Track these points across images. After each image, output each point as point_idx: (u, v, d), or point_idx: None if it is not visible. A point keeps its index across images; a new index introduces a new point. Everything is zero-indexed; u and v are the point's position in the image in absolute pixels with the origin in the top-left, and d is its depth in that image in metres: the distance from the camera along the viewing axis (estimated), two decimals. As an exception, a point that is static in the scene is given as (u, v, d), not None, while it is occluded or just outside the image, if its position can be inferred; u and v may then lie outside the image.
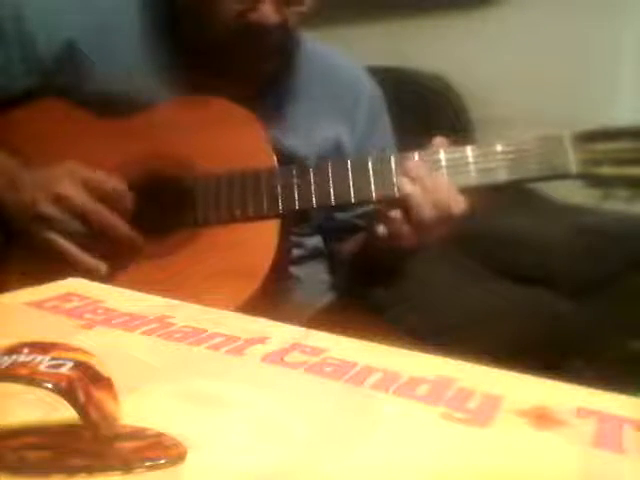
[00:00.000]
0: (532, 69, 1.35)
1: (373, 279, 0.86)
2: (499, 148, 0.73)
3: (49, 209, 0.71)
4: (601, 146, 0.72)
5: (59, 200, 0.71)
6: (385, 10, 1.48)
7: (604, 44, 1.32)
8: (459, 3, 1.45)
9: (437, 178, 0.72)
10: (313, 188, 0.74)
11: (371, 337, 0.40)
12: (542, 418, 0.31)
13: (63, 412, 0.27)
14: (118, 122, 0.77)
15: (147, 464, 0.27)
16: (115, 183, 0.73)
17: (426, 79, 1.42)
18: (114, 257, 0.72)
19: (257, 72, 0.81)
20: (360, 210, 0.89)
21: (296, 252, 0.86)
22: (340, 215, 0.90)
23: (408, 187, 0.72)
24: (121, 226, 0.72)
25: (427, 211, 0.72)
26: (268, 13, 0.73)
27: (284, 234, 0.75)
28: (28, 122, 0.80)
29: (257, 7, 0.73)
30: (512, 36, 1.39)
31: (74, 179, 0.71)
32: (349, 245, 0.91)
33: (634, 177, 0.71)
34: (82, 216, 0.71)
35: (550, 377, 0.35)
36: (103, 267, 0.72)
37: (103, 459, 0.27)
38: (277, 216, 0.75)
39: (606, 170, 0.71)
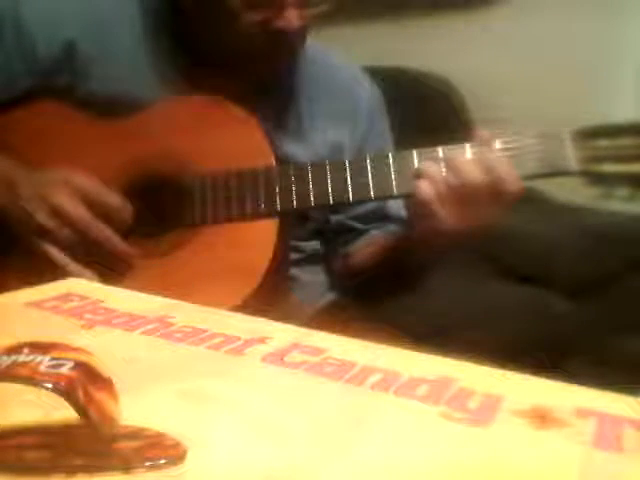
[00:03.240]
0: (534, 69, 1.35)
1: (391, 283, 0.86)
2: (498, 145, 0.73)
3: (46, 220, 0.70)
4: (602, 143, 0.71)
5: (56, 212, 0.70)
6: (386, 11, 1.48)
7: (605, 44, 1.32)
8: (460, 3, 1.45)
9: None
10: (311, 187, 0.74)
11: (371, 337, 0.40)
12: (542, 418, 0.31)
13: (63, 412, 0.27)
14: (116, 123, 0.77)
15: (147, 464, 0.27)
16: (115, 198, 0.73)
17: (427, 79, 1.41)
18: (109, 268, 0.72)
19: (263, 73, 0.81)
20: (353, 212, 0.89)
21: (295, 256, 0.86)
22: (334, 217, 0.90)
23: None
24: (116, 242, 0.72)
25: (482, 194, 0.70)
26: (293, 19, 0.72)
27: (282, 233, 0.75)
28: (25, 123, 0.79)
29: (281, 14, 0.72)
30: (514, 36, 1.39)
31: (73, 190, 0.71)
32: (365, 248, 0.89)
33: (635, 174, 0.71)
34: (78, 229, 0.71)
35: (550, 377, 0.35)
36: (95, 279, 0.71)
37: (103, 459, 0.27)
38: (275, 215, 0.75)
39: (607, 167, 0.71)
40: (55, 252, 0.71)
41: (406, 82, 1.35)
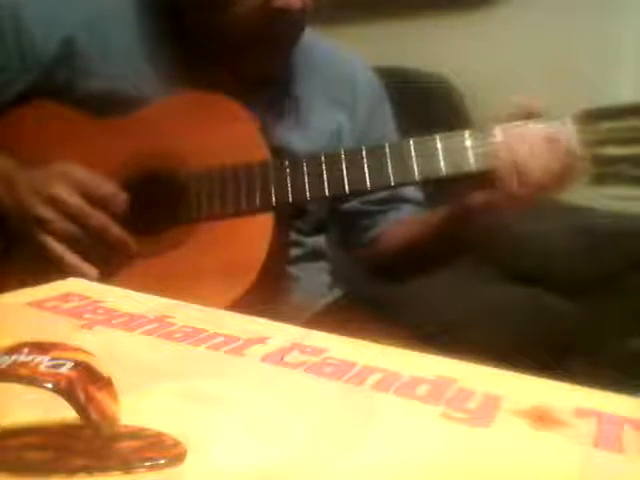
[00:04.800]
0: (533, 69, 1.35)
1: (431, 264, 0.84)
2: (499, 131, 0.72)
3: (44, 211, 0.70)
4: (604, 125, 0.70)
5: (53, 202, 0.70)
6: (385, 10, 1.48)
7: (604, 44, 1.32)
8: (459, 3, 1.45)
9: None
10: (307, 180, 0.73)
11: (371, 337, 0.40)
12: (542, 418, 0.31)
13: (63, 412, 0.27)
14: (113, 121, 0.77)
15: (147, 464, 0.27)
16: (109, 186, 0.73)
17: (427, 79, 1.42)
18: (108, 259, 0.72)
19: (263, 61, 0.80)
20: (368, 197, 0.88)
21: (296, 251, 0.86)
22: (347, 204, 0.90)
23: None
24: (113, 229, 0.72)
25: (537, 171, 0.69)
26: None
27: (278, 229, 0.75)
28: (23, 123, 0.79)
29: None
30: (513, 36, 1.39)
31: (68, 181, 0.71)
32: (397, 231, 0.88)
33: (638, 156, 0.69)
34: (75, 218, 0.71)
35: (550, 377, 0.35)
36: (94, 272, 0.72)
37: (103, 459, 0.27)
38: (271, 210, 0.74)
39: (610, 150, 0.70)
40: (54, 244, 0.71)
41: (406, 82, 1.35)
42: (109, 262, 0.72)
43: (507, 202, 0.71)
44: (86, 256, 0.72)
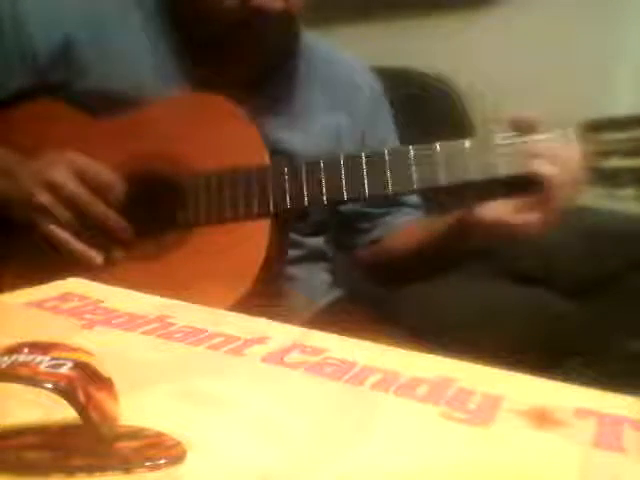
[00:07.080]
0: (533, 69, 1.35)
1: (435, 268, 0.84)
2: (500, 141, 0.72)
3: (44, 197, 0.70)
4: (607, 136, 0.69)
5: (53, 188, 0.71)
6: (386, 10, 1.48)
7: (605, 44, 1.32)
8: (459, 3, 1.45)
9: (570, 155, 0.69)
10: (305, 186, 0.73)
11: (371, 337, 0.40)
12: (542, 418, 0.31)
13: (63, 412, 0.27)
14: (112, 121, 0.77)
15: (147, 464, 0.27)
16: (108, 174, 0.73)
17: (427, 79, 1.42)
18: (105, 248, 0.73)
19: (256, 64, 0.80)
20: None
21: (296, 252, 0.86)
22: (346, 207, 0.89)
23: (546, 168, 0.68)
24: (111, 216, 0.72)
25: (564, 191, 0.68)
26: None
27: (277, 232, 0.74)
28: (23, 122, 0.80)
29: None
30: (513, 36, 1.39)
31: (68, 167, 0.71)
32: (399, 235, 0.88)
33: None
34: (74, 204, 0.71)
35: (550, 377, 0.35)
36: (99, 257, 0.72)
37: (103, 459, 0.27)
38: (269, 215, 0.74)
39: (613, 161, 0.69)
40: (58, 231, 0.71)
41: (406, 82, 1.35)
42: (107, 250, 0.73)
43: (532, 216, 0.71)
44: (87, 242, 0.72)
